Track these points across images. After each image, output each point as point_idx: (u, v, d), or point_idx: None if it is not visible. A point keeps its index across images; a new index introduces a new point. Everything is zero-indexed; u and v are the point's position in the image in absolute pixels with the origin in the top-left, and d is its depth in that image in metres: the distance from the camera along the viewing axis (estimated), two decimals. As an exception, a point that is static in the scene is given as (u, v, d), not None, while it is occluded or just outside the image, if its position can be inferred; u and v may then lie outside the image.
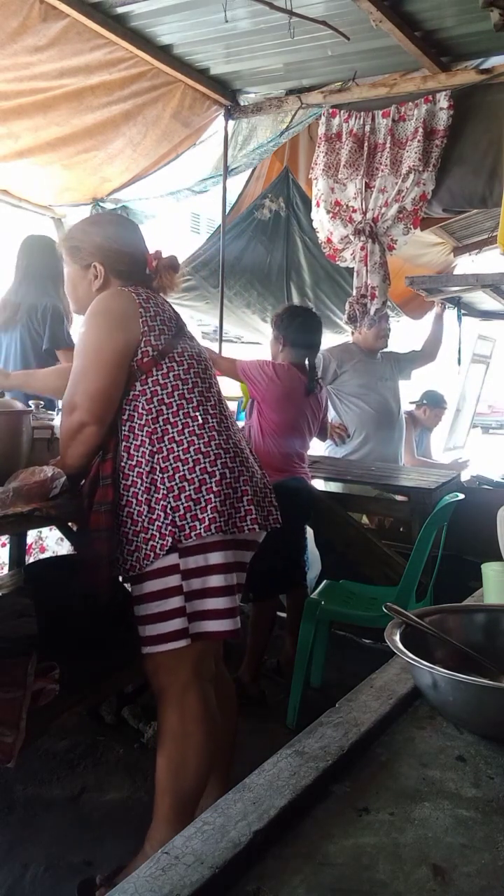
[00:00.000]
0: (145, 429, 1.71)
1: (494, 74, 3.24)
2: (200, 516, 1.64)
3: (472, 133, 3.36)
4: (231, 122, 3.87)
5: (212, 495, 1.66)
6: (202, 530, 1.63)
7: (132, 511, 1.69)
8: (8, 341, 3.24)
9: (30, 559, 3.35)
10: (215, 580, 1.68)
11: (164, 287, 1.86)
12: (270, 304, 4.48)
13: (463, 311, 4.23)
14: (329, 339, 4.25)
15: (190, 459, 1.69)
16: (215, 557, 1.67)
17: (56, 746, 2.43)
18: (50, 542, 3.91)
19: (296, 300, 4.51)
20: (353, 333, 4.00)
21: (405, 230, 3.57)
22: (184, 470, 1.68)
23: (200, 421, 1.72)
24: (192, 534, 1.64)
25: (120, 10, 2.94)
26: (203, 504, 1.66)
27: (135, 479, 1.70)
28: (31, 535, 3.72)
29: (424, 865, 0.66)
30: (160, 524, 1.65)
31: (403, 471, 3.72)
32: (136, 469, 1.70)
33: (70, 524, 2.72)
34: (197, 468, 1.68)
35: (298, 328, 3.00)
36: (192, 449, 1.69)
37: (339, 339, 4.47)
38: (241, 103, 3.85)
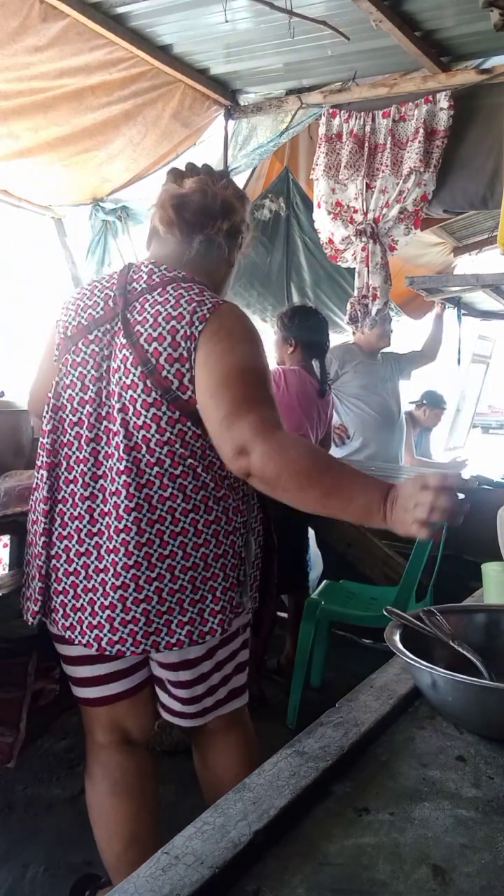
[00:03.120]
0: None
1: (494, 74, 3.24)
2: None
3: (472, 134, 3.35)
4: (231, 122, 3.87)
5: (35, 571, 1.47)
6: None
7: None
8: None
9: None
10: (63, 658, 1.53)
11: (162, 224, 1.43)
12: (270, 305, 4.48)
13: (463, 311, 4.23)
14: (330, 340, 4.25)
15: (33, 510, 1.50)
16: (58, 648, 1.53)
17: (56, 746, 2.43)
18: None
19: (296, 300, 4.51)
20: (354, 334, 4.00)
21: (406, 231, 3.57)
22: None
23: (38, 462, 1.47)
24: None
25: (120, 10, 2.94)
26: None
27: None
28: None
29: (424, 865, 0.66)
30: None
31: (403, 471, 3.72)
32: None
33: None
34: (32, 529, 1.50)
35: (310, 330, 2.98)
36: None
37: (340, 339, 4.47)
38: (241, 103, 3.85)
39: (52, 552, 1.42)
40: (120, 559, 1.34)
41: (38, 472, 1.46)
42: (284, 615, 3.15)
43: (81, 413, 1.38)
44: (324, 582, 2.97)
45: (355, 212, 3.62)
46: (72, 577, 1.40)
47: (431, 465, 4.76)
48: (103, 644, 1.36)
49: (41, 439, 1.45)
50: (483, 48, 3.22)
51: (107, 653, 1.38)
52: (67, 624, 1.41)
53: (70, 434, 1.39)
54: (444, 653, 1.01)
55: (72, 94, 3.13)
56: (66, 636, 1.43)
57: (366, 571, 3.11)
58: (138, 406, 1.32)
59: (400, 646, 0.95)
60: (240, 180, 4.19)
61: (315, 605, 2.67)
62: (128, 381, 1.32)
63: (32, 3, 2.74)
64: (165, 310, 1.33)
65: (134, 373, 1.32)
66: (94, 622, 1.37)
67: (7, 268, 4.53)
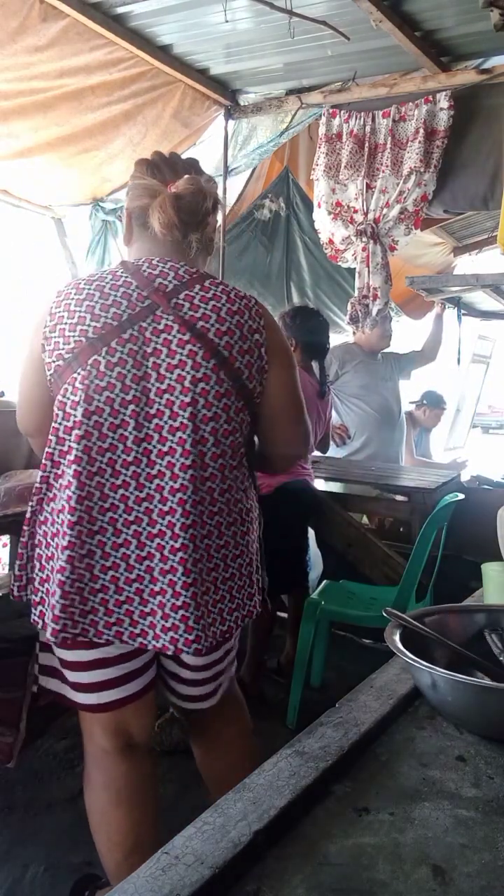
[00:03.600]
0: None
1: (494, 74, 3.24)
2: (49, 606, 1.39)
3: (473, 135, 3.35)
4: (231, 122, 3.87)
5: (56, 587, 1.36)
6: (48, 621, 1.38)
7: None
8: None
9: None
10: (66, 664, 1.46)
11: (163, 227, 1.41)
12: (270, 305, 4.48)
13: (463, 311, 4.23)
14: (330, 340, 4.25)
15: (47, 521, 1.42)
16: (59, 652, 1.45)
17: (56, 746, 2.43)
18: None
19: (296, 300, 4.51)
20: (354, 333, 4.01)
21: (407, 231, 3.57)
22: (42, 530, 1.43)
23: (44, 473, 1.40)
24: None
25: (120, 10, 2.94)
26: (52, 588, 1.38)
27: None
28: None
29: (424, 865, 0.66)
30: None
31: (403, 471, 3.72)
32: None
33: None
34: (52, 543, 1.39)
35: (311, 330, 2.98)
36: (43, 512, 1.42)
37: (339, 339, 4.47)
38: (241, 103, 3.85)
39: (96, 563, 1.35)
40: (189, 556, 1.34)
41: (59, 483, 1.37)
42: (284, 615, 3.15)
43: (124, 414, 1.32)
44: (324, 582, 2.97)
45: (355, 212, 3.62)
46: (135, 584, 1.35)
47: (431, 465, 4.76)
48: (179, 645, 1.34)
49: (56, 449, 1.37)
50: (483, 48, 3.22)
51: (184, 653, 1.36)
52: (137, 631, 1.36)
53: (112, 437, 1.33)
54: (444, 653, 1.01)
55: (72, 94, 3.13)
56: (115, 639, 1.37)
57: (366, 571, 3.11)
58: (210, 397, 1.34)
59: (400, 646, 0.95)
60: (240, 180, 4.20)
61: (315, 605, 2.67)
62: (199, 375, 1.33)
63: (32, 3, 2.74)
64: (223, 305, 1.37)
65: (206, 365, 1.34)
66: (168, 624, 1.34)
67: (7, 268, 4.53)
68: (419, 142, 3.36)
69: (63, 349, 1.34)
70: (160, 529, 1.34)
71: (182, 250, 1.45)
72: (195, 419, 1.33)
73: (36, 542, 1.43)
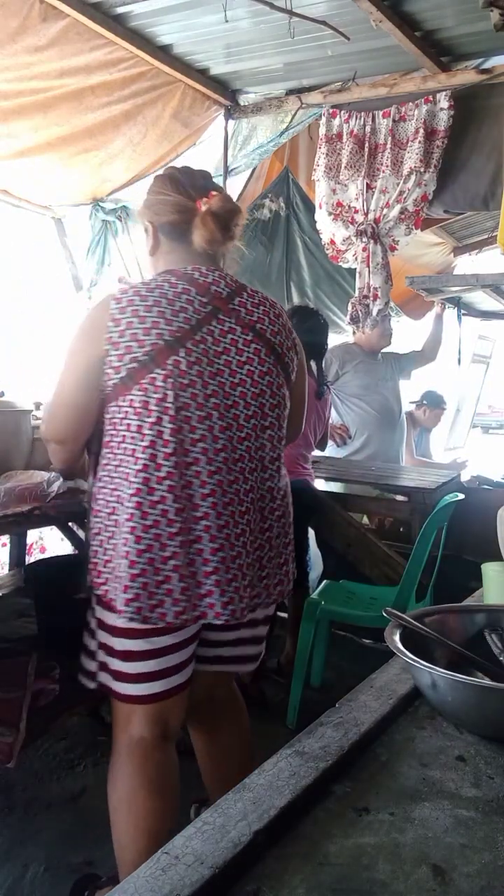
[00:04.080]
0: (107, 456, 1.50)
1: (494, 74, 3.24)
2: (121, 595, 1.44)
3: (473, 135, 3.35)
4: (231, 122, 3.87)
5: (125, 571, 1.43)
6: (119, 604, 1.44)
7: (94, 527, 1.55)
8: None
9: (30, 559, 3.35)
10: (114, 641, 1.50)
11: (206, 239, 1.53)
12: (270, 304, 4.48)
13: (463, 311, 4.23)
14: (330, 340, 4.24)
15: (118, 510, 1.46)
16: (119, 643, 1.49)
17: (56, 746, 2.43)
18: (50, 542, 3.91)
19: (296, 300, 4.51)
20: (354, 333, 4.01)
21: (407, 231, 3.57)
22: (120, 515, 1.45)
23: (139, 466, 1.43)
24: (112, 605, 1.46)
25: (120, 10, 2.94)
26: (122, 576, 1.43)
27: (97, 495, 1.53)
28: (32, 535, 3.73)
29: (424, 865, 0.66)
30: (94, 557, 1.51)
31: (403, 471, 3.72)
32: (103, 491, 1.52)
33: (70, 524, 2.73)
34: (128, 524, 1.44)
35: (310, 330, 2.99)
36: (113, 496, 1.47)
37: (340, 339, 4.47)
38: (241, 103, 3.85)
39: (205, 547, 1.46)
40: (275, 529, 1.60)
41: (153, 475, 1.43)
42: (284, 615, 3.15)
43: (208, 407, 1.46)
44: (324, 582, 2.97)
45: (356, 212, 3.62)
46: (237, 560, 1.49)
47: (431, 465, 4.75)
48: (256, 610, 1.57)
49: (147, 444, 1.43)
50: (483, 48, 3.22)
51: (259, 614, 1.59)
52: (238, 608, 1.49)
53: (201, 429, 1.45)
54: (444, 653, 1.01)
55: (72, 94, 3.13)
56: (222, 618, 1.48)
57: (366, 571, 3.11)
58: (274, 388, 1.55)
59: (400, 646, 0.95)
60: (240, 180, 4.20)
61: (315, 605, 2.67)
62: (264, 369, 1.53)
63: (32, 3, 2.74)
64: (269, 309, 1.59)
65: (269, 362, 1.54)
66: (254, 593, 1.55)
67: (7, 268, 4.53)
68: (419, 142, 3.36)
69: (138, 352, 1.43)
70: (247, 507, 1.52)
71: (215, 260, 1.60)
72: (263, 408, 1.53)
73: (125, 537, 1.44)
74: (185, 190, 1.57)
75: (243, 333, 1.52)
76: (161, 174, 1.65)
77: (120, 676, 1.50)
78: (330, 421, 3.87)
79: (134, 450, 1.44)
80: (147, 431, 1.43)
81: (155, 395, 1.42)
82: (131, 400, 1.44)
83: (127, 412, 1.44)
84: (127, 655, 1.49)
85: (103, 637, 1.51)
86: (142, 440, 1.43)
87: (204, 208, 1.53)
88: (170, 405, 1.42)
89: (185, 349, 1.44)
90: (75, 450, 1.58)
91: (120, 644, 1.48)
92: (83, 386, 1.47)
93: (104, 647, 1.51)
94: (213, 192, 1.56)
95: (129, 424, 1.44)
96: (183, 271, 1.52)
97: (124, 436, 1.45)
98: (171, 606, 1.44)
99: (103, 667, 1.53)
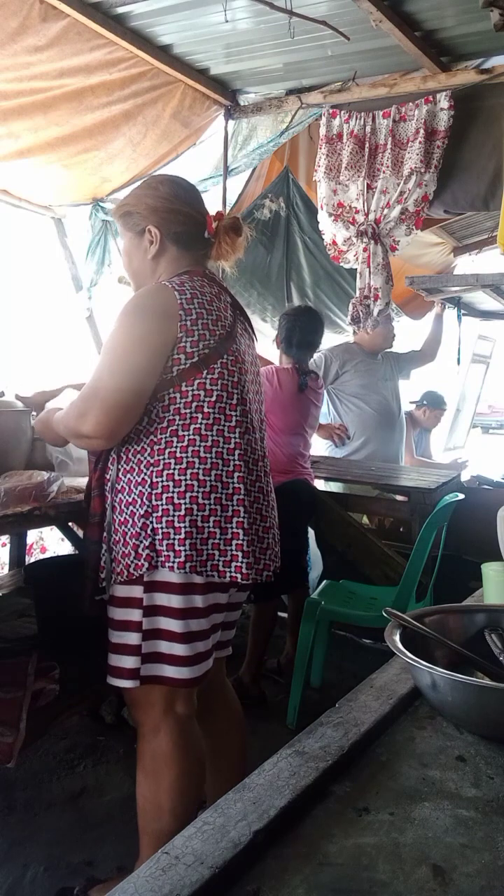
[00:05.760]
0: (150, 436, 1.55)
1: (494, 74, 3.24)
2: (177, 548, 1.52)
3: (473, 135, 3.35)
4: (231, 122, 3.86)
5: (194, 529, 1.53)
6: (175, 564, 1.52)
7: (117, 518, 1.59)
8: None
9: (30, 559, 3.35)
10: (175, 625, 1.55)
11: (224, 253, 1.72)
12: (270, 305, 4.48)
13: (463, 311, 4.23)
14: (330, 339, 4.25)
15: (183, 483, 1.54)
16: (177, 601, 1.54)
17: (56, 746, 2.43)
18: (50, 542, 3.91)
19: (296, 300, 4.51)
20: (355, 333, 4.00)
21: (408, 231, 3.56)
22: (174, 491, 1.53)
23: (209, 443, 1.56)
24: (166, 564, 1.52)
25: (120, 10, 2.93)
26: (182, 535, 1.52)
27: (125, 485, 1.58)
28: (32, 535, 3.73)
29: (424, 865, 0.66)
30: (138, 542, 1.54)
31: (403, 471, 3.72)
32: (129, 475, 1.57)
33: (70, 524, 2.73)
34: (188, 495, 1.53)
35: (301, 330, 3.02)
36: (188, 472, 1.54)
37: (340, 339, 4.47)
38: (241, 103, 3.84)
39: (268, 515, 1.69)
40: (273, 512, 1.74)
41: (230, 458, 1.60)
42: (284, 615, 3.15)
43: (253, 402, 1.69)
44: (324, 582, 2.97)
45: (357, 213, 3.62)
46: (262, 524, 1.67)
47: (431, 465, 4.75)
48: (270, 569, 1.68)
49: (220, 439, 1.59)
50: (483, 48, 3.21)
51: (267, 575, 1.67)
52: (260, 567, 1.63)
53: (248, 422, 1.65)
54: (444, 653, 1.01)
55: (72, 94, 3.13)
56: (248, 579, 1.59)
57: (366, 571, 3.11)
58: (261, 388, 1.79)
59: (400, 646, 0.95)
60: (240, 180, 4.20)
61: (315, 605, 2.67)
62: (259, 370, 1.79)
63: (32, 3, 2.74)
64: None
65: (258, 362, 1.79)
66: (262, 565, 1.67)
67: (7, 268, 4.53)
68: (419, 142, 3.36)
69: (210, 340, 1.57)
70: (267, 490, 1.72)
71: (204, 264, 1.75)
72: (261, 405, 1.76)
73: (183, 512, 1.54)
74: (196, 206, 1.73)
75: (248, 338, 1.75)
76: (166, 181, 1.74)
77: (176, 661, 1.56)
78: (328, 420, 3.89)
79: (199, 427, 1.56)
80: (217, 410, 1.58)
81: (227, 380, 1.59)
82: (201, 383, 1.56)
83: (198, 395, 1.55)
84: (187, 613, 1.55)
85: (163, 611, 1.55)
86: (207, 419, 1.57)
87: (216, 224, 1.71)
88: (235, 391, 1.61)
89: (235, 341, 1.64)
90: (112, 443, 1.56)
91: (186, 601, 1.55)
92: (150, 371, 1.52)
93: (161, 632, 1.56)
94: (219, 211, 1.77)
95: (198, 406, 1.56)
96: (203, 273, 1.67)
97: (194, 417, 1.55)
98: (226, 562, 1.58)
99: (153, 657, 1.57)
